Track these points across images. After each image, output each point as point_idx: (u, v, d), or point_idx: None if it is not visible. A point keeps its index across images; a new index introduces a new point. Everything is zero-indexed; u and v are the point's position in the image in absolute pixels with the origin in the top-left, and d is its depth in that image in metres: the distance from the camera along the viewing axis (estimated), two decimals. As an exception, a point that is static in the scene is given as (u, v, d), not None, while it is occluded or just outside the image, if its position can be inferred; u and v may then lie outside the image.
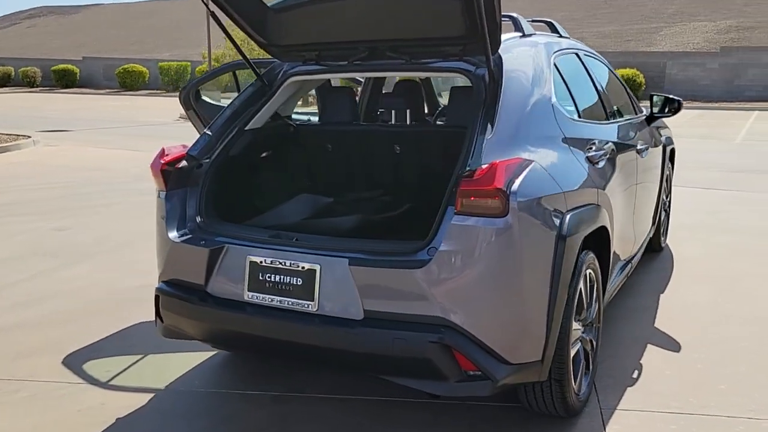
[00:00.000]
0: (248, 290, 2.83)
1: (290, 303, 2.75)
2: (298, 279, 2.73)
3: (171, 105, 25.91)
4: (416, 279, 2.53)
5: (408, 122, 3.86)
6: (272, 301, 2.78)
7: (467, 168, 2.62)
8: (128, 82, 35.09)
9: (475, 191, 2.50)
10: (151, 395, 3.39)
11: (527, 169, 2.63)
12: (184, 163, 3.19)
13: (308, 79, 3.56)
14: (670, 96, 4.86)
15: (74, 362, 3.75)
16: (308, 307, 2.71)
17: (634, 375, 3.52)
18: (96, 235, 6.54)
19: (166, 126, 18.64)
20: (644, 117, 4.82)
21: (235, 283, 2.87)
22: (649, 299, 4.61)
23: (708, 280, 5.04)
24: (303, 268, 2.72)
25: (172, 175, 3.15)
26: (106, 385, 3.50)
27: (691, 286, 4.91)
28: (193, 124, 4.90)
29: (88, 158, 11.84)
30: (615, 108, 4.32)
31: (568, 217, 2.77)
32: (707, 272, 5.25)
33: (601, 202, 3.21)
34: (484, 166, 2.55)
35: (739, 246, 6.02)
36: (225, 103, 5.26)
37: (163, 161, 3.16)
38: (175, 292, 3.04)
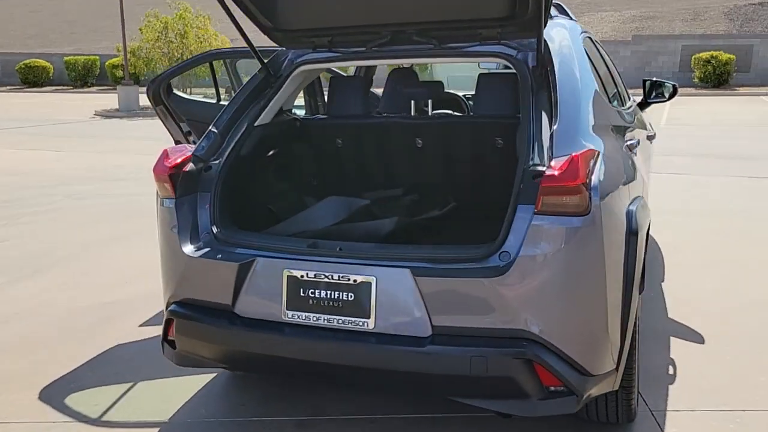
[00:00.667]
0: (287, 309, 2.49)
1: (340, 321, 2.42)
2: (349, 294, 2.41)
3: (82, 101, 24.49)
4: (495, 288, 2.26)
5: (429, 113, 3.57)
6: (317, 320, 2.45)
7: (531, 162, 2.37)
8: (31, 78, 32.95)
9: (558, 188, 2.24)
10: (155, 430, 2.98)
11: (599, 161, 2.40)
12: (190, 165, 2.79)
13: (318, 68, 3.22)
14: (660, 80, 4.77)
15: (54, 397, 3.27)
16: (363, 325, 2.40)
17: (671, 372, 3.39)
18: (38, 246, 5.91)
19: (82, 124, 17.55)
20: (637, 103, 4.72)
21: (271, 302, 2.52)
22: (652, 289, 4.52)
23: (703, 266, 5.02)
24: (355, 281, 2.40)
25: (181, 179, 2.75)
26: (99, 422, 3.06)
27: (690, 272, 4.87)
28: (162, 121, 4.44)
29: (6, 160, 10.89)
30: (618, 92, 4.18)
31: (633, 211, 2.58)
32: (698, 257, 5.23)
33: (644, 193, 3.04)
34: (562, 160, 2.30)
35: (714, 229, 6.08)
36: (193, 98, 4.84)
37: (169, 164, 2.75)
38: (196, 315, 2.65)
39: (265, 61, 3.16)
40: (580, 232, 2.27)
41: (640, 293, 2.70)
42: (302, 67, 3.15)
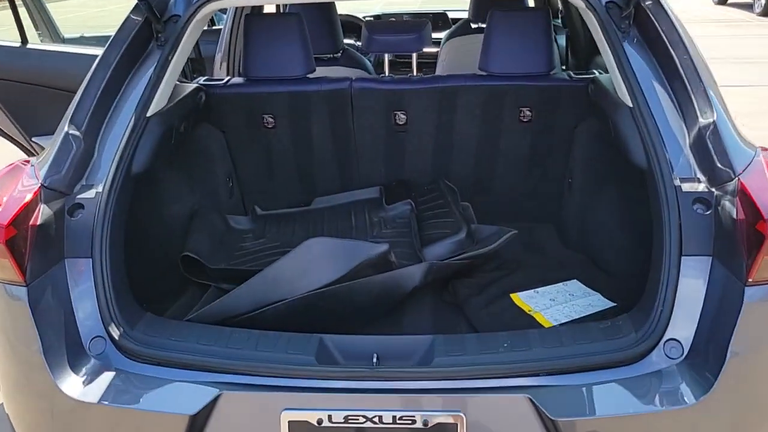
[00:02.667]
0: None
1: (402, 494, 1.36)
2: None
3: None
4: (685, 419, 1.33)
5: (415, 74, 2.39)
6: None
7: (674, 175, 1.45)
8: None
9: None
10: None
11: None
12: (44, 210, 1.47)
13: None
14: None
15: None
16: None
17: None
18: None
19: None
20: None
21: None
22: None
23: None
24: (426, 423, 1.33)
25: (34, 244, 1.43)
26: None
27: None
28: None
29: None
30: None
31: None
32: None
33: None
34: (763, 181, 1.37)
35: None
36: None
37: (3, 219, 1.41)
38: None
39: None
40: None
41: None
42: (209, 7, 1.84)
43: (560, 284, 1.89)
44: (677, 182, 1.46)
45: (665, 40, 1.65)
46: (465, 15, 4.31)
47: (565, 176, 2.24)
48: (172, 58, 1.81)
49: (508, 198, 2.33)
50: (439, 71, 3.11)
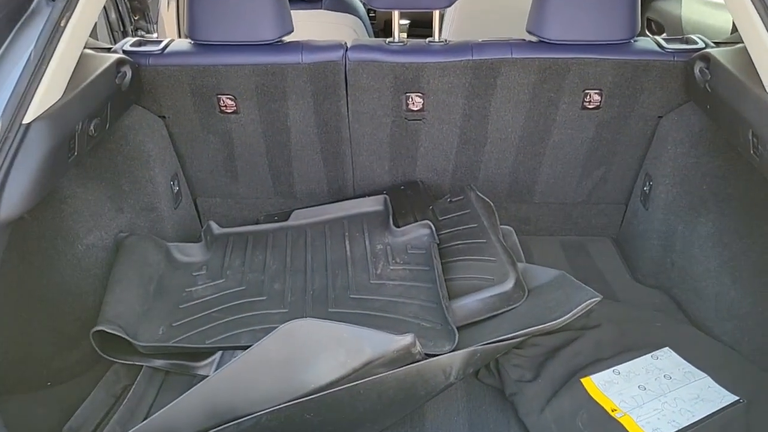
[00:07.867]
0: None
1: None
2: None
3: None
4: None
5: (437, 38, 1.69)
6: None
7: None
8: None
9: None
10: None
11: None
12: None
13: None
14: None
15: None
16: None
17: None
18: None
19: None
20: None
21: None
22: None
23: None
24: None
25: None
26: None
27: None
28: None
29: None
30: None
31: None
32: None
33: None
34: None
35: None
36: None
37: None
38: None
39: None
40: None
41: None
42: None
43: (648, 356, 1.33)
44: None
45: None
46: None
47: (637, 181, 1.65)
48: (66, 22, 1.15)
49: (554, 205, 1.74)
50: (446, 35, 2.39)
